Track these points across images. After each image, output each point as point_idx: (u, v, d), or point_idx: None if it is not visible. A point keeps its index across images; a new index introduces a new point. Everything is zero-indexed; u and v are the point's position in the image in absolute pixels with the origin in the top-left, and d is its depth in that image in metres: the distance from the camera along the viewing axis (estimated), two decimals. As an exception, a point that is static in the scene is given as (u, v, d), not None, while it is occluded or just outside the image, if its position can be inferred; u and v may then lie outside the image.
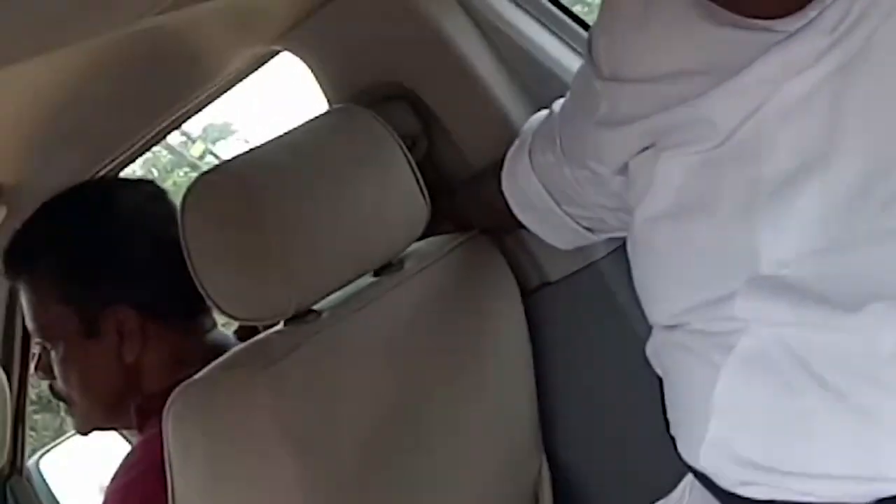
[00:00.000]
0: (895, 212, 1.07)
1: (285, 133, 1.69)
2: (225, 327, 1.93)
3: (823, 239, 1.12)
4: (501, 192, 1.67)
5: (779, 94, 1.15)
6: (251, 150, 1.64)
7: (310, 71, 2.02)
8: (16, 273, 1.87)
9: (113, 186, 1.99)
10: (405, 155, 1.72)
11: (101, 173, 2.31)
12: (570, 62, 1.85)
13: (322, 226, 1.57)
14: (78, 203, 1.87)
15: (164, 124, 2.28)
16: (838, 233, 1.11)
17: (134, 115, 2.18)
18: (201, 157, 7.08)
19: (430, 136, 1.91)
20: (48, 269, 1.81)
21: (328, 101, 2.00)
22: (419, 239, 1.76)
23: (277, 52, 2.09)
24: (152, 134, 2.30)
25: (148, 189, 1.91)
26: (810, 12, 1.12)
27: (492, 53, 1.88)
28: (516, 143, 1.66)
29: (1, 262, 1.89)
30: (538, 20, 1.91)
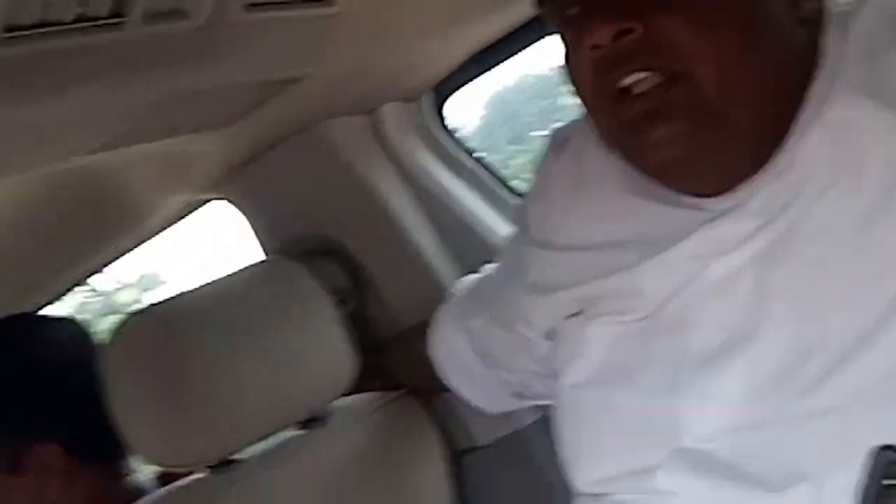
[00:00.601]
0: (817, 394, 1.07)
1: (215, 280, 1.68)
2: (144, 471, 1.89)
3: (746, 416, 1.11)
4: (429, 353, 1.66)
5: (706, 272, 1.16)
6: (179, 294, 1.62)
7: (245, 219, 2.02)
8: None
9: (37, 322, 1.96)
10: (334, 310, 1.71)
11: (26, 310, 2.27)
12: (502, 228, 1.86)
13: (246, 375, 1.55)
14: (2, 335, 1.83)
15: (91, 264, 2.26)
16: (762, 412, 1.10)
17: (60, 252, 2.15)
18: (131, 305, 7.01)
19: (360, 292, 1.91)
20: None
21: (263, 249, 2.00)
22: (346, 395, 1.74)
23: (210, 199, 2.09)
24: (79, 273, 2.28)
25: (72, 328, 1.88)
26: (741, 193, 1.14)
27: (424, 215, 1.90)
28: (445, 304, 1.66)
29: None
30: (471, 186, 1.94)
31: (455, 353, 1.61)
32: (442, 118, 1.97)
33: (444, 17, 1.66)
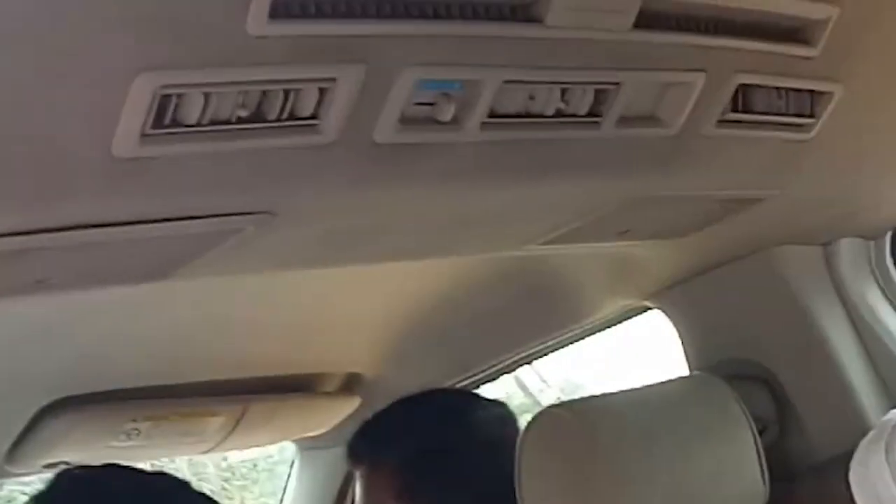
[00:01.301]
0: None
1: (637, 388, 1.69)
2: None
3: None
4: (847, 484, 1.59)
5: None
6: (601, 395, 1.65)
7: (676, 332, 2.02)
8: (358, 459, 1.92)
9: (471, 399, 2.04)
10: (754, 437, 1.68)
11: (457, 385, 2.37)
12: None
13: (655, 485, 1.55)
14: (435, 406, 1.92)
15: (521, 354, 2.32)
16: None
17: (496, 336, 2.23)
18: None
19: (781, 421, 1.86)
20: (391, 462, 1.85)
21: (688, 365, 1.99)
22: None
23: (647, 309, 2.10)
24: (509, 360, 2.34)
25: (503, 410, 1.95)
26: None
27: (864, 356, 1.84)
28: (871, 434, 1.59)
29: (347, 446, 1.95)
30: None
31: (877, 488, 1.54)
32: (901, 262, 1.89)
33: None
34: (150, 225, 1.15)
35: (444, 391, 2.03)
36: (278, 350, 2.16)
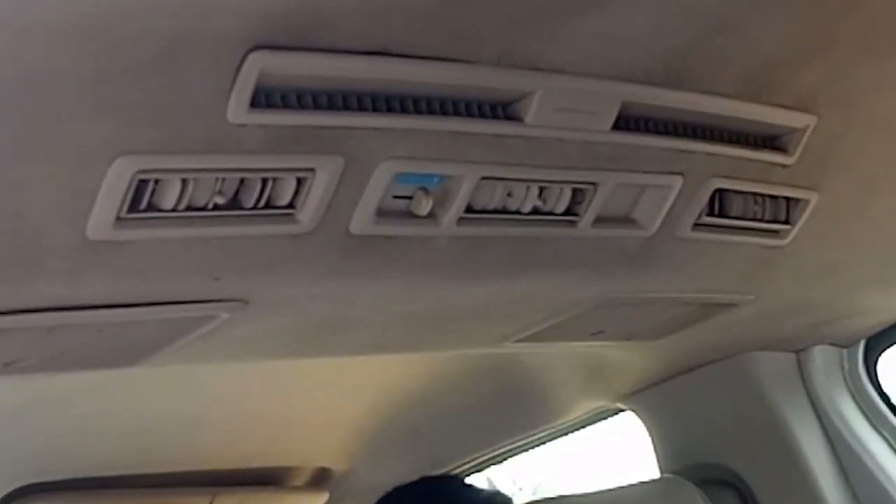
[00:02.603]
0: None
1: (609, 489, 1.68)
2: None
3: None
4: None
5: None
6: (572, 495, 1.64)
7: (648, 435, 2.01)
8: None
9: (465, 485, 2.03)
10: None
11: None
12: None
13: None
14: (425, 494, 1.91)
15: (494, 452, 2.30)
16: None
17: (468, 433, 2.21)
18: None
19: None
20: None
21: (659, 468, 1.98)
22: None
23: (620, 410, 2.10)
24: (481, 458, 2.32)
25: (500, 497, 1.93)
26: None
27: (835, 464, 1.84)
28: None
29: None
30: (889, 443, 1.86)
31: None
32: (872, 372, 1.90)
33: (894, 269, 1.62)
34: (122, 309, 1.14)
35: (438, 479, 2.02)
36: (248, 442, 2.15)
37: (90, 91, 0.88)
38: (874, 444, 1.86)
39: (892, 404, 1.89)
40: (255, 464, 2.21)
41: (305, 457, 2.26)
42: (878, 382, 1.90)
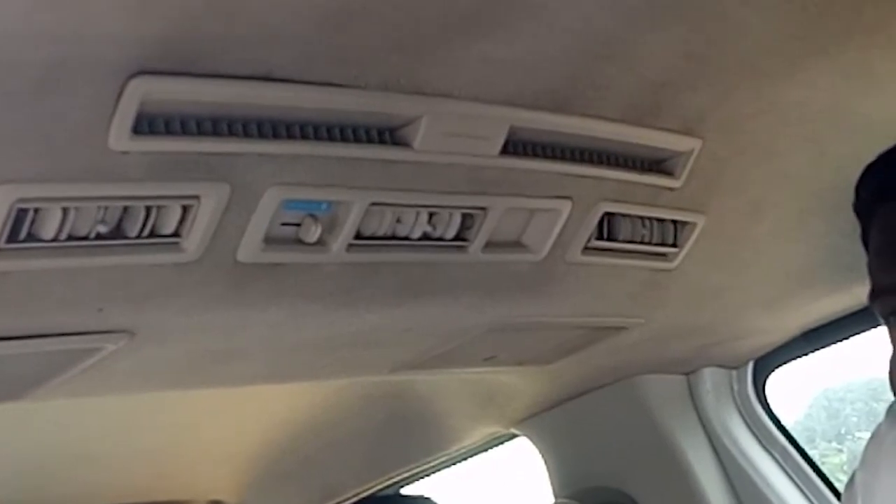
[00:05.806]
0: None
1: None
2: None
3: None
4: None
5: None
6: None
7: (541, 460, 2.02)
8: None
9: (401, 498, 2.01)
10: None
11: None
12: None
13: None
14: None
15: (388, 480, 2.29)
16: None
17: (362, 462, 2.20)
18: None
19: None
20: None
21: (553, 493, 1.98)
22: None
23: (514, 436, 2.10)
24: (375, 487, 2.31)
25: None
26: None
27: (727, 484, 1.86)
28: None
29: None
30: (778, 463, 1.88)
31: None
32: (761, 392, 1.92)
33: (779, 291, 1.65)
34: (3, 342, 1.11)
35: (370, 499, 2.00)
36: (139, 477, 2.11)
37: (-34, 116, 0.86)
38: (764, 464, 1.88)
39: (781, 425, 1.92)
40: (148, 498, 2.17)
41: (197, 490, 2.22)
42: (768, 403, 1.93)
